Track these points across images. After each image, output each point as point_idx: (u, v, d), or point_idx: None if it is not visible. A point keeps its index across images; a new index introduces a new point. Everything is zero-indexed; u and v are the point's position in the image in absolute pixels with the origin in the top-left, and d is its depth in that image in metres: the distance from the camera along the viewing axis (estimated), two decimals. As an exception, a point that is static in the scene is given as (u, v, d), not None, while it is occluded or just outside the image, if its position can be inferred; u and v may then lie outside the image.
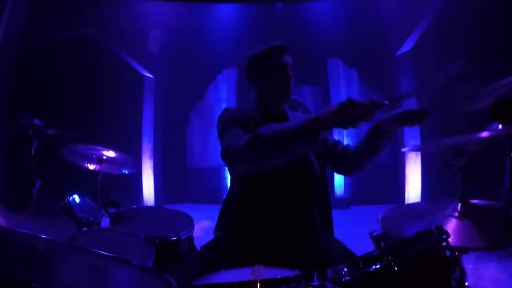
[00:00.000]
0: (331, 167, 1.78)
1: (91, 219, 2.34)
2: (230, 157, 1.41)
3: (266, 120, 1.57)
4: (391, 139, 1.59)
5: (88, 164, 2.42)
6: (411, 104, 1.55)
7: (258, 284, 0.78)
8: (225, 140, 1.50)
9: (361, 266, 0.81)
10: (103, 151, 2.44)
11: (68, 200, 2.40)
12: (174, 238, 1.97)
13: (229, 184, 1.74)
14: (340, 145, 1.73)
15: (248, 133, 1.47)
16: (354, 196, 5.90)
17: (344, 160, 1.71)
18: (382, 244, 1.23)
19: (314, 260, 1.35)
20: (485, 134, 1.09)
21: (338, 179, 5.92)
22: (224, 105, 5.21)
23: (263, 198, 1.56)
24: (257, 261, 1.17)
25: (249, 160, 1.40)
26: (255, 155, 1.37)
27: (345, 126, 1.28)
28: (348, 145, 1.72)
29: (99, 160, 2.41)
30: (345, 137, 5.57)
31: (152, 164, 6.15)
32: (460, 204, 1.20)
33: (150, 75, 6.15)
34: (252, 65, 1.71)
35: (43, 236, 0.88)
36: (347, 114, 1.25)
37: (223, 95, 6.41)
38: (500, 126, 1.19)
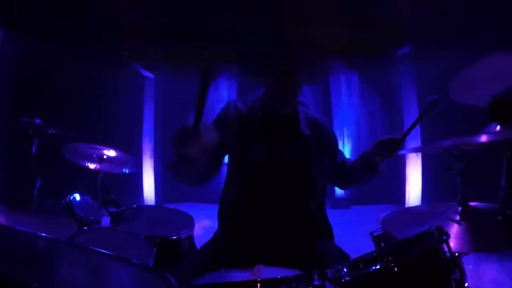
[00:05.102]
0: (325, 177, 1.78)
1: (92, 218, 2.34)
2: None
3: (271, 122, 1.55)
4: (376, 172, 1.60)
5: (89, 163, 2.42)
6: (380, 135, 1.55)
7: (258, 284, 0.78)
8: None
9: (361, 266, 0.81)
10: (103, 150, 2.44)
11: (69, 199, 2.41)
12: (174, 237, 1.97)
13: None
14: (344, 164, 1.72)
15: (246, 136, 1.48)
16: (354, 196, 5.89)
17: (337, 176, 1.73)
18: (382, 244, 1.23)
19: (314, 264, 1.35)
20: (484, 138, 1.09)
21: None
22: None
23: (262, 199, 1.55)
24: (257, 261, 1.17)
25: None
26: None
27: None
28: (344, 162, 1.72)
29: (100, 159, 2.41)
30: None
31: (152, 163, 6.14)
32: (460, 208, 1.19)
33: (150, 75, 6.15)
34: (259, 60, 1.65)
35: (44, 235, 0.88)
36: None
37: (223, 94, 6.40)
38: (498, 127, 1.19)
